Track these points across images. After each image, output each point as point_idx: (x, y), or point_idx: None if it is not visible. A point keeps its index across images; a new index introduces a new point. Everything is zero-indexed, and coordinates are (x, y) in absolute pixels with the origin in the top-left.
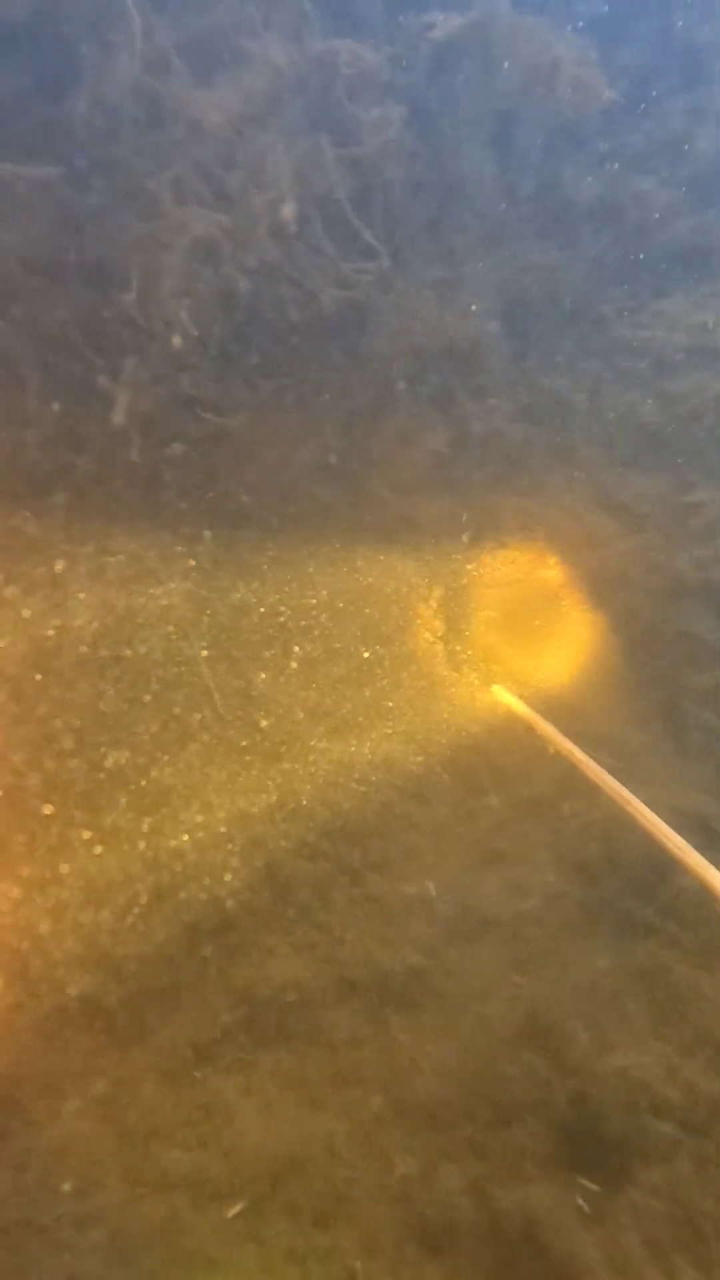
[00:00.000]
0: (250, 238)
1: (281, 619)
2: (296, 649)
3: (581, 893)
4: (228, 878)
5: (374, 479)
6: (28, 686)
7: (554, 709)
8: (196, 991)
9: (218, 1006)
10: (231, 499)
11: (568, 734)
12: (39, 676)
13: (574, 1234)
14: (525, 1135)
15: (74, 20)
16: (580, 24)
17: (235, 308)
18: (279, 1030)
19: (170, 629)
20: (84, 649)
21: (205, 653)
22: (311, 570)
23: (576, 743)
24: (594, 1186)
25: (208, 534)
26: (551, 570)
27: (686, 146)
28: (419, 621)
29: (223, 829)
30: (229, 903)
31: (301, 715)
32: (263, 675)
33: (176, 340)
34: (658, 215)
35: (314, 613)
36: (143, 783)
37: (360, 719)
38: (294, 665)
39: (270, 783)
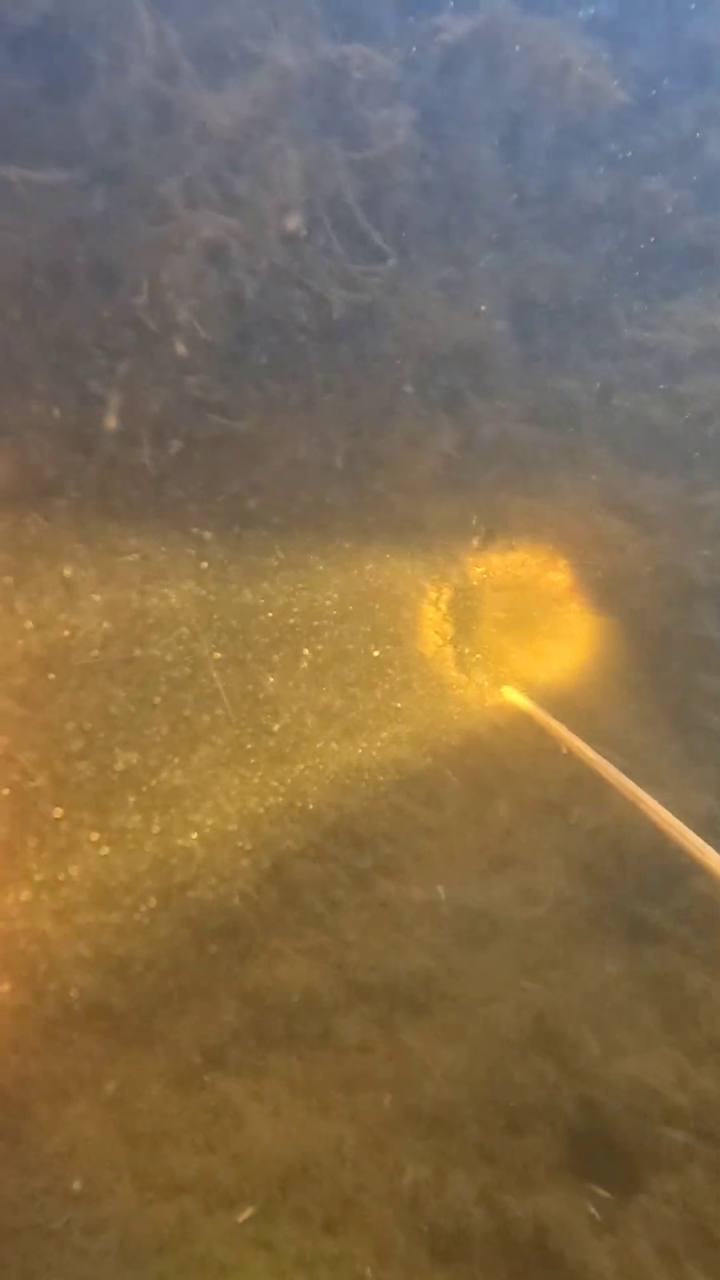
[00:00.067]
0: (259, 241)
1: (291, 621)
2: (306, 651)
3: (592, 897)
4: (237, 881)
5: (383, 481)
6: (39, 688)
7: (563, 711)
8: (205, 995)
9: (226, 1010)
10: (240, 501)
11: (577, 736)
12: (52, 675)
13: (586, 1242)
14: (536, 1142)
15: (84, 24)
16: (590, 25)
17: (244, 310)
18: (288, 1034)
19: (180, 631)
20: (95, 653)
21: (218, 655)
22: (321, 572)
23: (586, 745)
24: (605, 1194)
25: (217, 536)
26: (561, 572)
27: (697, 147)
28: (428, 624)
29: (232, 831)
30: (238, 906)
31: (311, 718)
32: (272, 678)
33: (186, 343)
34: (668, 216)
35: (323, 615)
36: (154, 783)
37: (370, 721)
38: (304, 667)
39: (279, 785)
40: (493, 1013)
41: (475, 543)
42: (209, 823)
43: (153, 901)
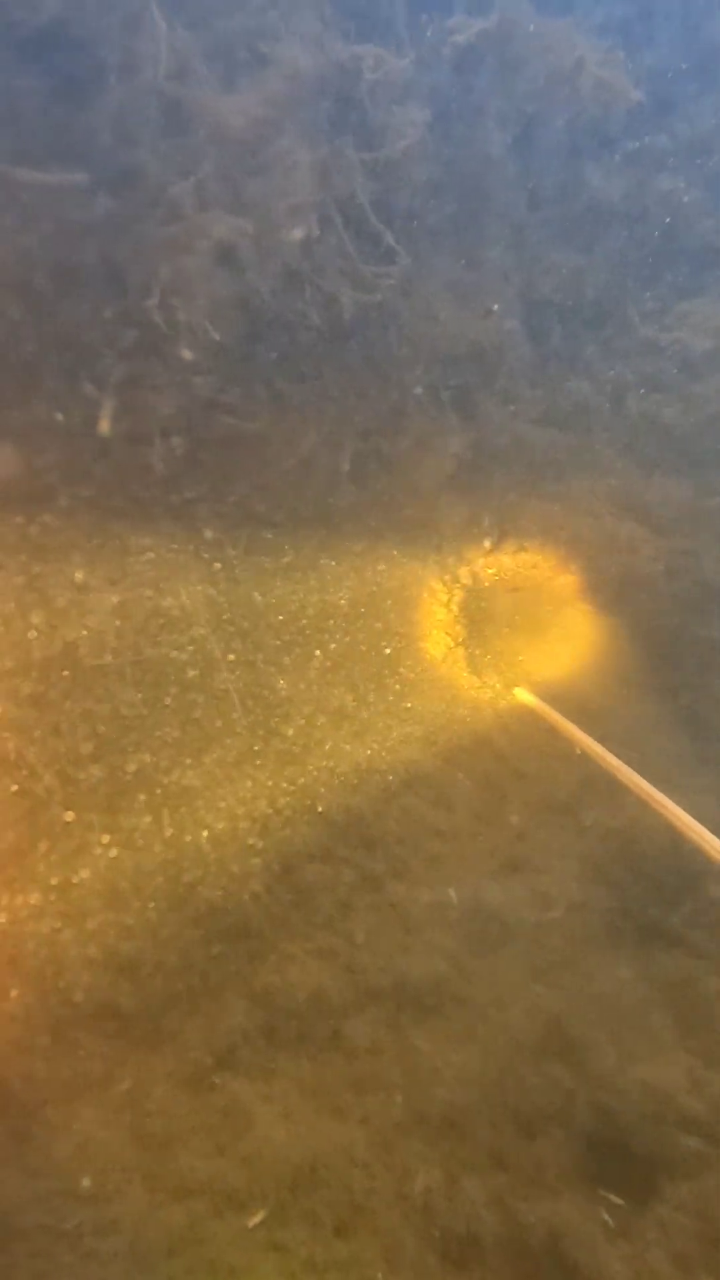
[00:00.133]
0: (272, 242)
1: (303, 622)
2: (318, 652)
3: (604, 901)
4: (247, 882)
5: (394, 482)
6: (51, 689)
7: (575, 714)
8: (214, 996)
9: (236, 1011)
10: (251, 501)
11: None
12: (66, 672)
13: (600, 1249)
14: (548, 1147)
15: (97, 25)
16: (604, 25)
17: (255, 311)
18: (298, 1036)
19: (193, 631)
20: (108, 655)
21: (231, 656)
22: (332, 573)
23: (599, 746)
24: (619, 1201)
25: (228, 537)
26: (572, 574)
27: (712, 147)
28: (440, 625)
29: (242, 832)
30: (248, 907)
31: (323, 719)
32: (283, 679)
33: (197, 344)
34: (683, 216)
35: (335, 615)
36: (166, 782)
37: (381, 722)
38: (315, 669)
39: (290, 786)
40: (504, 1016)
41: (487, 544)
42: (220, 824)
43: (162, 903)
